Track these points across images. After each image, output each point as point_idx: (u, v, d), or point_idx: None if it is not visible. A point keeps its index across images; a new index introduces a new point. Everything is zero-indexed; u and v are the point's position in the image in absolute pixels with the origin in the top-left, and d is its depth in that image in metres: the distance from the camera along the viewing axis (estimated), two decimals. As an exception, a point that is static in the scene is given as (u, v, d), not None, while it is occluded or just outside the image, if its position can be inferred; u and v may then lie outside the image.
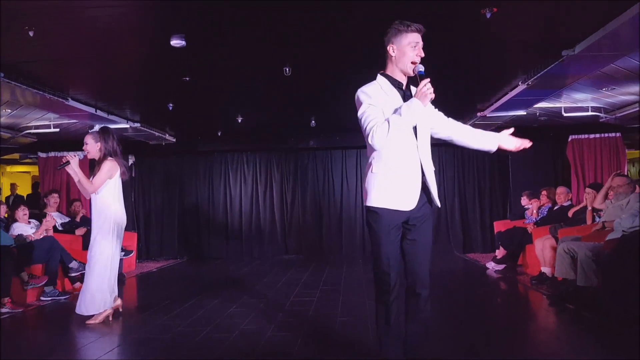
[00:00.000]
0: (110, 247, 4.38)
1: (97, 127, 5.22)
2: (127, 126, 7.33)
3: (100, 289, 4.34)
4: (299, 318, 4.36)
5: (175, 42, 4.12)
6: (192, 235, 9.71)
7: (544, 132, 8.54)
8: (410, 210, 2.57)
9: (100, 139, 4.51)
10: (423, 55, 2.58)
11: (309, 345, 3.54)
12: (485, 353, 3.35)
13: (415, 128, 2.57)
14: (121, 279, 6.69)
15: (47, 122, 7.05)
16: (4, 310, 4.82)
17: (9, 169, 11.95)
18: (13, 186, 10.80)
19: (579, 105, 6.79)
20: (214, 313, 4.66)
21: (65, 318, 4.95)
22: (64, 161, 4.38)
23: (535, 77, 5.13)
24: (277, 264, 8.35)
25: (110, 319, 4.42)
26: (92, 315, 4.36)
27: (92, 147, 4.51)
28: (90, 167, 8.49)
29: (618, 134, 8.11)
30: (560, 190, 6.90)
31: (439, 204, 2.70)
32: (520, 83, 5.59)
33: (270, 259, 9.17)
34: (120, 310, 4.58)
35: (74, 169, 4.34)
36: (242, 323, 4.23)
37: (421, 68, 2.54)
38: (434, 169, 2.68)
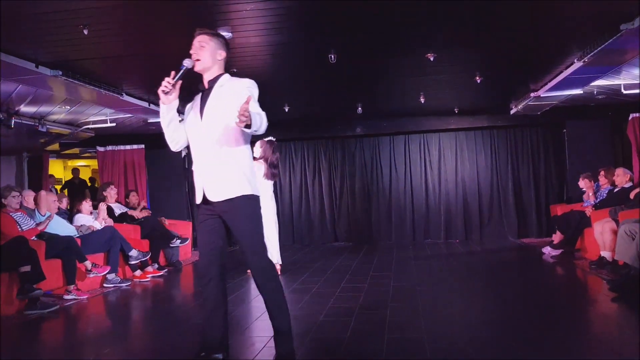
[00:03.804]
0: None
1: (271, 137, 6.08)
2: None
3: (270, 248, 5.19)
4: (350, 303, 4.38)
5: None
6: (243, 223, 9.91)
7: (602, 111, 8.13)
8: None
9: (265, 144, 5.84)
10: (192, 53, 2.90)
11: (361, 330, 3.57)
12: (543, 339, 3.26)
13: None
14: (178, 266, 6.96)
15: (103, 117, 7.35)
16: (70, 297, 5.12)
17: (70, 163, 12.59)
18: (75, 172, 11.10)
19: (641, 81, 6.42)
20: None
21: (127, 303, 5.22)
22: None
23: (592, 53, 4.88)
24: (327, 251, 8.41)
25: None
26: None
27: (257, 147, 5.79)
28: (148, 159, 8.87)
29: (684, 111, 7.60)
30: (619, 171, 6.56)
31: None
32: (575, 60, 5.34)
33: (320, 246, 9.24)
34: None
35: None
36: (294, 309, 4.30)
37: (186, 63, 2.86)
38: None
